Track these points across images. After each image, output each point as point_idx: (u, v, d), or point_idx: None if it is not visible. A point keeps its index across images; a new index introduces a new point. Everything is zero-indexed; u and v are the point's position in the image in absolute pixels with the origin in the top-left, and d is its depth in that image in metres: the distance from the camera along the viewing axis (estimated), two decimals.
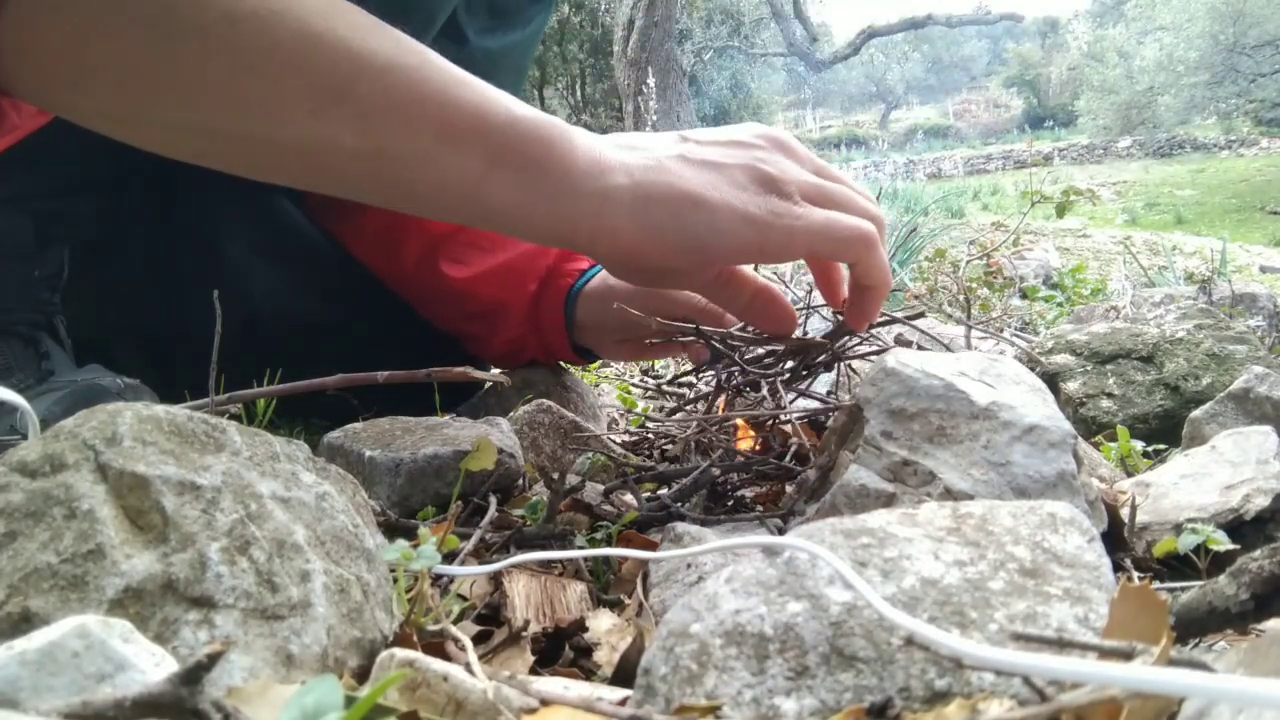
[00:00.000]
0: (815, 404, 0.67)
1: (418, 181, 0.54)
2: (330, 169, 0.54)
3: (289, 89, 0.50)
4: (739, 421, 0.67)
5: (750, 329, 0.66)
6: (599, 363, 1.56)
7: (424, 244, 0.91)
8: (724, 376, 0.68)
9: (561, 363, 0.97)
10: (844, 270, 0.64)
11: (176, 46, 0.48)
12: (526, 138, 0.54)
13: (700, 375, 0.77)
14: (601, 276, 0.88)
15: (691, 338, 0.66)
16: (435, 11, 0.81)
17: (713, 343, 0.65)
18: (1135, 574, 0.49)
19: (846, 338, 0.65)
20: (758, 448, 0.68)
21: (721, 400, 0.70)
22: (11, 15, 0.47)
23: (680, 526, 0.49)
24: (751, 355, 0.67)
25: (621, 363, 1.38)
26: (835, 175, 0.61)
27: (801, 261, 0.69)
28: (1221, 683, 0.21)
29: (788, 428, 0.64)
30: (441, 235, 0.91)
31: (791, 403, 0.65)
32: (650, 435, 0.79)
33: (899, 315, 0.70)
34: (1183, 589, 0.44)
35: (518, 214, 0.55)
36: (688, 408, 0.81)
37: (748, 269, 0.64)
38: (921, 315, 0.69)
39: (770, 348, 0.67)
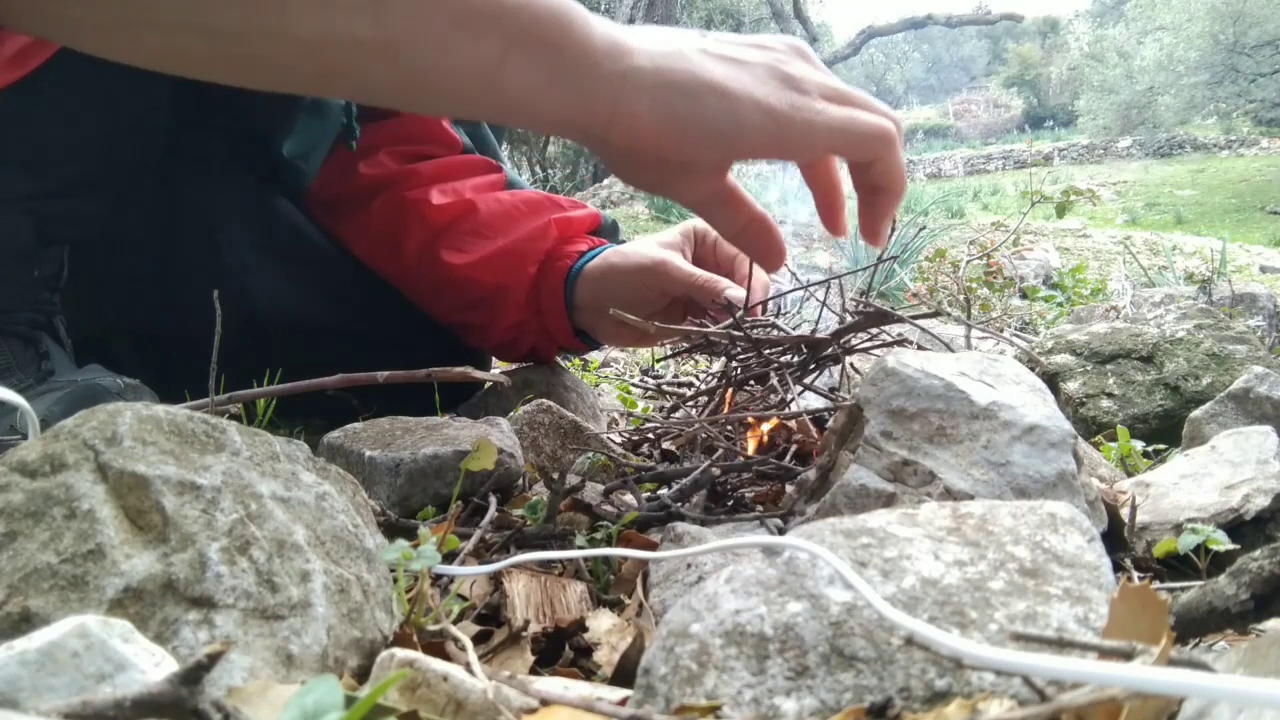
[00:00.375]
0: (819, 400, 0.67)
1: (434, 71, 0.52)
2: (343, 65, 0.52)
3: None
4: (750, 420, 0.67)
5: (753, 329, 0.66)
6: (599, 363, 1.56)
7: (425, 235, 0.91)
8: (729, 366, 0.68)
9: (559, 353, 0.98)
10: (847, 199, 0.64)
11: None
12: (542, 19, 0.52)
13: (705, 354, 0.77)
14: (602, 257, 0.88)
15: (693, 325, 0.66)
16: None
17: (716, 329, 0.65)
18: (1135, 574, 0.49)
19: (852, 334, 0.65)
20: (765, 441, 0.68)
21: (728, 394, 0.70)
22: None
23: (680, 526, 0.49)
24: (756, 343, 0.67)
25: (619, 348, 1.38)
26: (848, 87, 0.61)
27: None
28: (1221, 683, 0.21)
29: (793, 423, 0.64)
30: (442, 225, 0.91)
31: (800, 395, 0.65)
32: (651, 435, 0.79)
33: (909, 315, 0.70)
34: (1183, 589, 0.44)
35: (535, 99, 0.54)
36: (689, 404, 0.81)
37: (748, 195, 0.64)
38: (936, 315, 0.69)
39: (774, 336, 0.67)
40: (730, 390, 0.70)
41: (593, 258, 0.88)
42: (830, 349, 0.65)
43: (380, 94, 0.55)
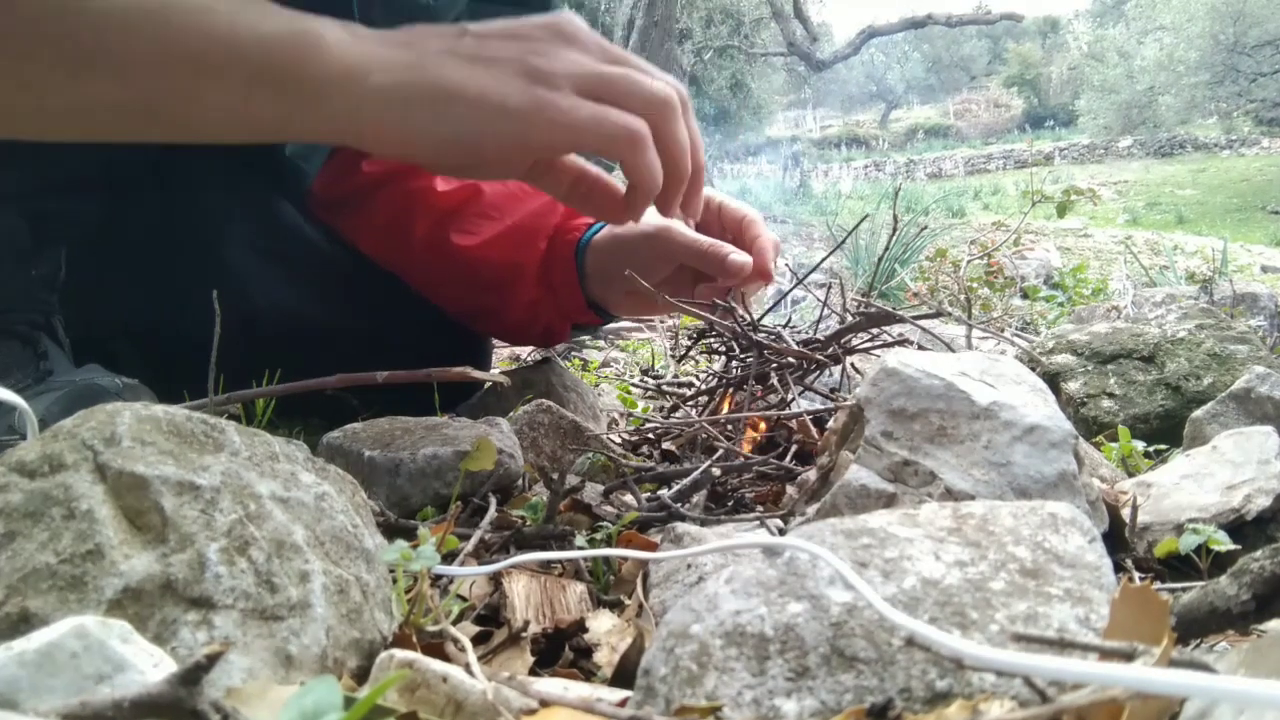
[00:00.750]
0: (819, 400, 0.67)
1: (186, 117, 0.56)
2: (104, 123, 0.56)
3: (41, 60, 0.52)
4: (749, 420, 0.67)
5: (759, 329, 0.66)
6: (599, 363, 1.56)
7: (432, 222, 0.91)
8: (729, 365, 0.68)
9: (573, 331, 0.97)
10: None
11: None
12: (277, 54, 0.54)
13: (709, 342, 0.77)
14: (607, 228, 0.88)
15: (701, 301, 0.66)
16: (436, 22, 0.82)
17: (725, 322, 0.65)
18: (1136, 574, 0.48)
19: (852, 335, 0.65)
20: (761, 440, 0.68)
21: (728, 395, 0.70)
22: None
23: (680, 527, 0.49)
24: (758, 345, 0.67)
25: (622, 343, 1.37)
26: (627, 59, 0.60)
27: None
28: (1223, 683, 0.21)
29: (794, 423, 0.64)
30: (449, 210, 0.91)
31: (800, 395, 0.65)
32: (651, 435, 0.79)
33: (910, 315, 0.70)
34: (1184, 589, 0.44)
35: (286, 126, 0.57)
36: (689, 404, 0.81)
37: (569, 160, 0.64)
38: (937, 315, 0.69)
39: (775, 344, 0.67)
40: (730, 390, 0.70)
41: (600, 229, 0.88)
42: (830, 349, 0.65)
43: (146, 138, 0.58)
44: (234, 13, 0.54)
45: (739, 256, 0.77)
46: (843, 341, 0.65)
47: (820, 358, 0.65)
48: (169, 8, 0.53)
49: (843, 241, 0.78)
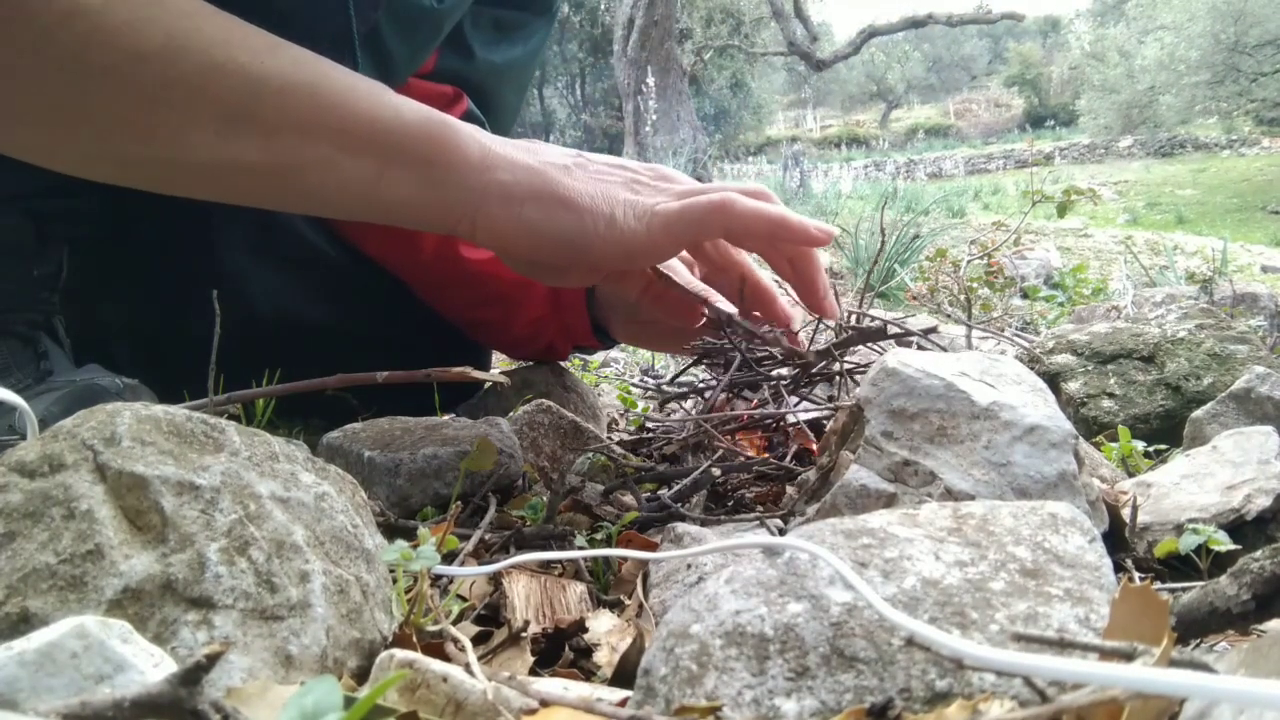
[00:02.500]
0: (815, 408, 0.67)
1: (320, 187, 0.59)
2: (238, 184, 0.59)
3: (194, 117, 0.54)
4: (744, 420, 0.67)
5: (748, 344, 0.66)
6: (599, 363, 1.56)
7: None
8: (724, 375, 0.68)
9: (574, 351, 0.97)
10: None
11: (88, 86, 0.52)
12: (416, 138, 0.59)
13: (704, 365, 0.77)
14: None
15: (704, 333, 0.67)
16: (441, 23, 0.82)
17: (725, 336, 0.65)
18: (1136, 574, 0.48)
19: (846, 349, 0.65)
20: (760, 442, 0.67)
21: (721, 399, 0.70)
22: None
23: (680, 527, 0.49)
24: (752, 358, 0.67)
25: (632, 347, 1.38)
26: (715, 187, 0.65)
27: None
28: (1223, 683, 0.21)
29: (791, 430, 0.64)
30: None
31: (796, 406, 0.65)
32: (650, 435, 0.79)
33: (907, 329, 0.69)
34: (1184, 589, 0.44)
35: (408, 207, 0.61)
36: (685, 403, 0.81)
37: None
38: (933, 330, 0.69)
39: (768, 350, 0.67)
40: (725, 397, 0.70)
41: None
42: (822, 364, 0.65)
43: (274, 205, 0.63)
44: (378, 95, 0.59)
45: (724, 306, 0.78)
46: (838, 354, 0.65)
47: (812, 372, 0.65)
48: (321, 80, 0.57)
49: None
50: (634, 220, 0.61)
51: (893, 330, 0.66)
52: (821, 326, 0.78)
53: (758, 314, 0.78)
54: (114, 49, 0.51)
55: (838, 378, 0.67)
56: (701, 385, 0.74)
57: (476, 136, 0.61)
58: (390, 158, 0.58)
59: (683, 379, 0.85)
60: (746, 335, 0.66)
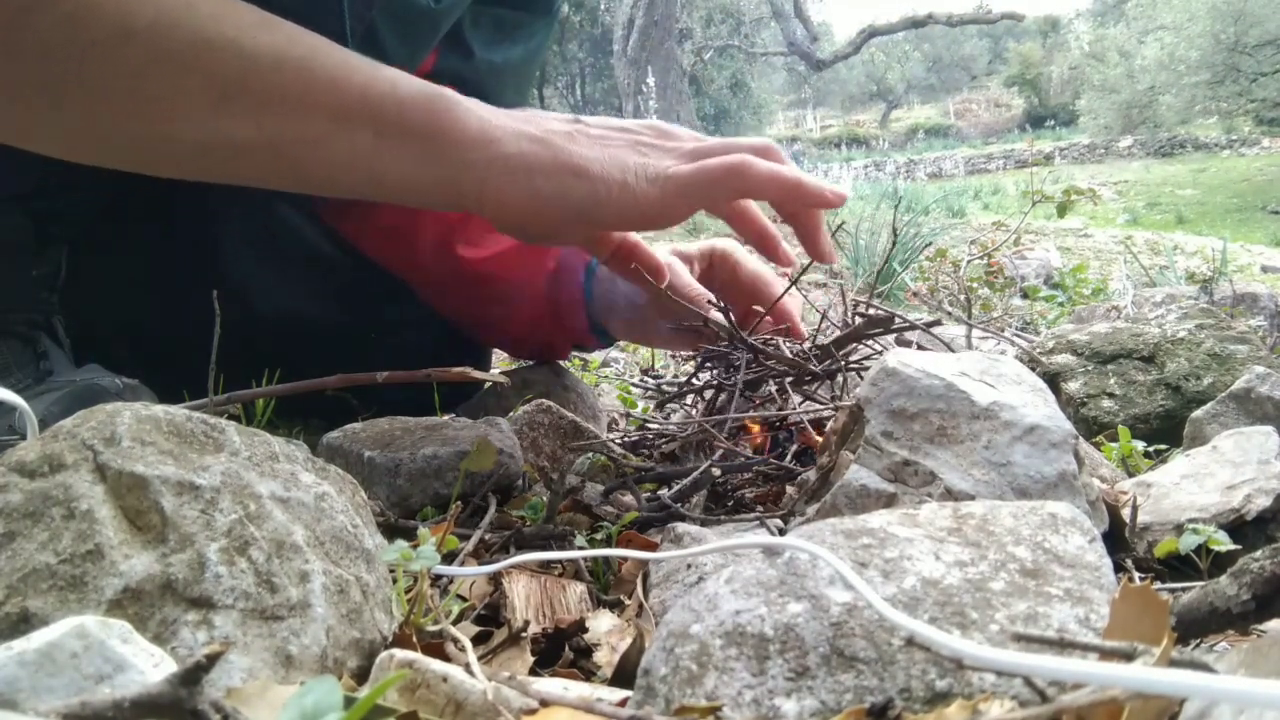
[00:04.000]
0: (819, 405, 0.67)
1: (314, 162, 0.57)
2: (229, 161, 0.57)
3: (185, 92, 0.53)
4: (749, 424, 0.67)
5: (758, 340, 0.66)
6: (599, 363, 1.56)
7: (439, 231, 0.91)
8: (725, 375, 0.68)
9: (573, 350, 0.97)
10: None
11: (71, 64, 0.51)
12: (410, 111, 0.57)
13: (702, 369, 0.77)
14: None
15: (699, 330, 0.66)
16: (439, 22, 0.82)
17: (722, 335, 0.65)
18: (1136, 574, 0.48)
19: (851, 345, 0.65)
20: (763, 444, 0.67)
21: (722, 398, 0.70)
22: None
23: (680, 527, 0.49)
24: (754, 357, 0.67)
25: (630, 344, 1.38)
26: (722, 142, 0.64)
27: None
28: (1222, 683, 0.21)
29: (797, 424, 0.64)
30: (456, 221, 0.91)
31: (800, 405, 0.65)
32: (650, 436, 0.79)
33: (912, 320, 0.69)
34: (1184, 589, 0.44)
35: (409, 183, 0.59)
36: (685, 402, 0.81)
37: (643, 247, 0.69)
38: (936, 324, 0.68)
39: (771, 344, 0.67)
40: (727, 396, 0.70)
41: None
42: (827, 362, 0.65)
43: (267, 182, 0.61)
44: (373, 69, 0.58)
45: (716, 316, 0.78)
46: (842, 352, 0.65)
47: (816, 370, 0.65)
48: (314, 55, 0.56)
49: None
50: (646, 184, 0.59)
51: (898, 323, 0.66)
52: (824, 326, 0.78)
53: (757, 308, 0.78)
54: (101, 24, 0.50)
55: (841, 376, 0.67)
56: (700, 386, 0.74)
57: (475, 109, 0.59)
58: (387, 132, 0.57)
59: (679, 376, 0.85)
60: (749, 348, 0.66)
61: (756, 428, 0.68)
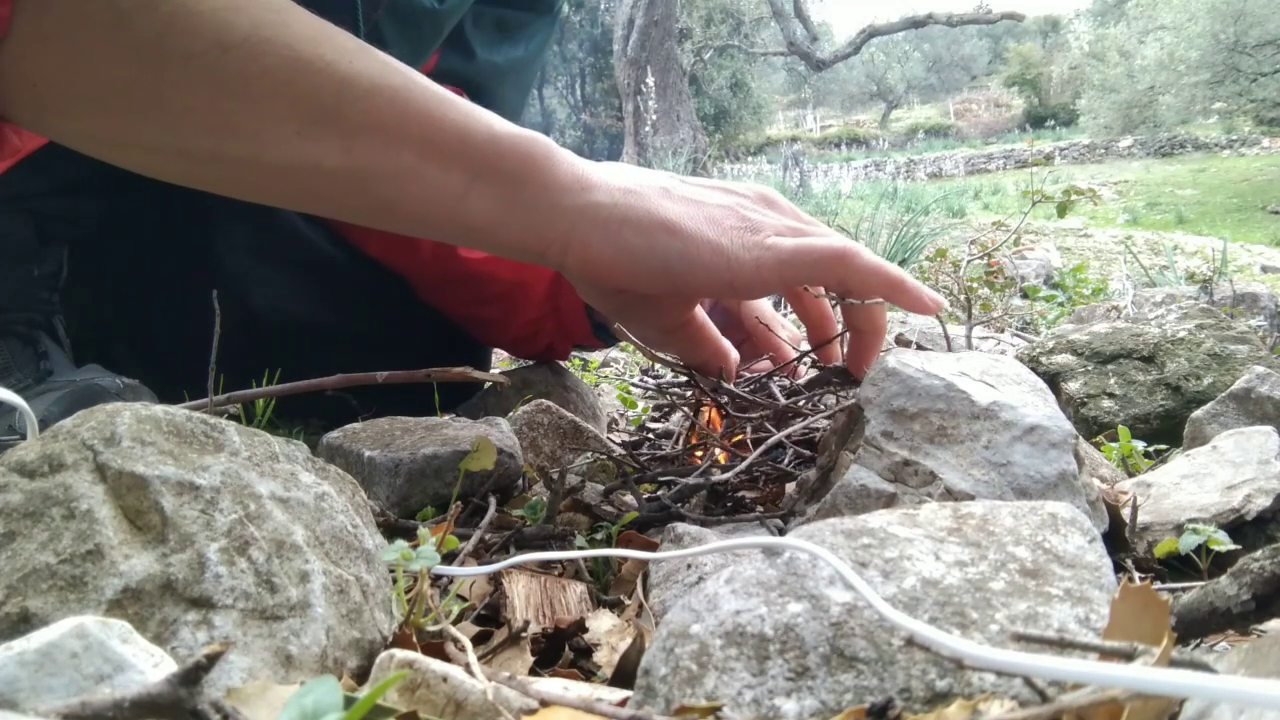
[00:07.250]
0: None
1: (401, 198, 0.55)
2: (315, 188, 0.55)
3: (276, 112, 0.51)
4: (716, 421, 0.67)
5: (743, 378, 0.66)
6: (599, 363, 1.56)
7: None
8: (710, 397, 0.67)
9: (574, 350, 0.97)
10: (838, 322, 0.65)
11: (165, 73, 0.49)
12: (507, 154, 0.56)
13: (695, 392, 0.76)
14: None
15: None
16: (443, 23, 0.82)
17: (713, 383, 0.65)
18: (1136, 574, 0.48)
19: (826, 387, 0.64)
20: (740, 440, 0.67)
21: (712, 414, 0.70)
22: (9, 47, 0.48)
23: (680, 527, 0.49)
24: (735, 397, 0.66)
25: (632, 347, 1.38)
26: (817, 223, 0.62)
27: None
28: (1223, 683, 0.21)
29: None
30: None
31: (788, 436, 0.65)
32: (650, 436, 0.79)
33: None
34: (1184, 589, 0.44)
35: (495, 228, 0.57)
36: (678, 416, 0.80)
37: (713, 332, 0.65)
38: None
39: (759, 380, 0.67)
40: (713, 413, 0.70)
41: None
42: (802, 400, 0.65)
43: (350, 215, 0.59)
44: (468, 109, 0.56)
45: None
46: (811, 400, 0.64)
47: (802, 408, 0.64)
48: (409, 86, 0.54)
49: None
50: (743, 251, 0.56)
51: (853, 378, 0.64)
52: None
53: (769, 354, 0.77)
54: (197, 36, 0.48)
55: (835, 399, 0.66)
56: (695, 401, 0.73)
57: (570, 158, 0.58)
58: (478, 172, 0.55)
59: (679, 376, 0.84)
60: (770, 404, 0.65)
61: (717, 414, 0.68)
